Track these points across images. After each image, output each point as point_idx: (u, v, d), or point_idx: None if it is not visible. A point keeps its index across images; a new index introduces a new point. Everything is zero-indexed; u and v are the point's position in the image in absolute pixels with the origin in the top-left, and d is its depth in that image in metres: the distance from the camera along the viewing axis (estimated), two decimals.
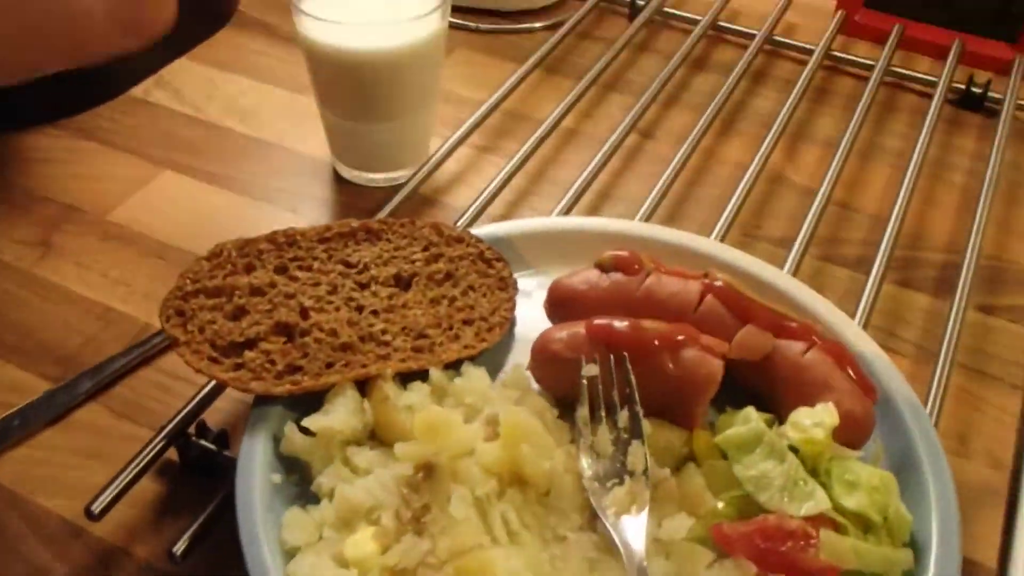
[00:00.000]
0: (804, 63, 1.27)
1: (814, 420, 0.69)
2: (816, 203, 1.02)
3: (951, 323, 0.88)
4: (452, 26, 1.37)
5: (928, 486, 0.71)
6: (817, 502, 0.65)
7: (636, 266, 0.82)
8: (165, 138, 1.20)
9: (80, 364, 0.91)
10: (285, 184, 1.13)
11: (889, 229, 0.98)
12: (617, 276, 0.82)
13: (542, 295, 0.85)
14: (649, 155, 1.19)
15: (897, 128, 1.24)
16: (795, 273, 0.93)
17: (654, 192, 1.04)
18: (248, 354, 0.79)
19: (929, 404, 0.81)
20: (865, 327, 0.88)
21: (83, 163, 1.16)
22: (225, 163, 1.17)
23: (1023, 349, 0.94)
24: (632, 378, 0.73)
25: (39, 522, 0.79)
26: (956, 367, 0.87)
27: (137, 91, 1.28)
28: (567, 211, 1.02)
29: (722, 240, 0.97)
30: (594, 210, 1.10)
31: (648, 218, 1.01)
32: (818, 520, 0.65)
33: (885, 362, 0.79)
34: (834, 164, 1.07)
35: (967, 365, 0.92)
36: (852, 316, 0.87)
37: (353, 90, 1.05)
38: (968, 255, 0.96)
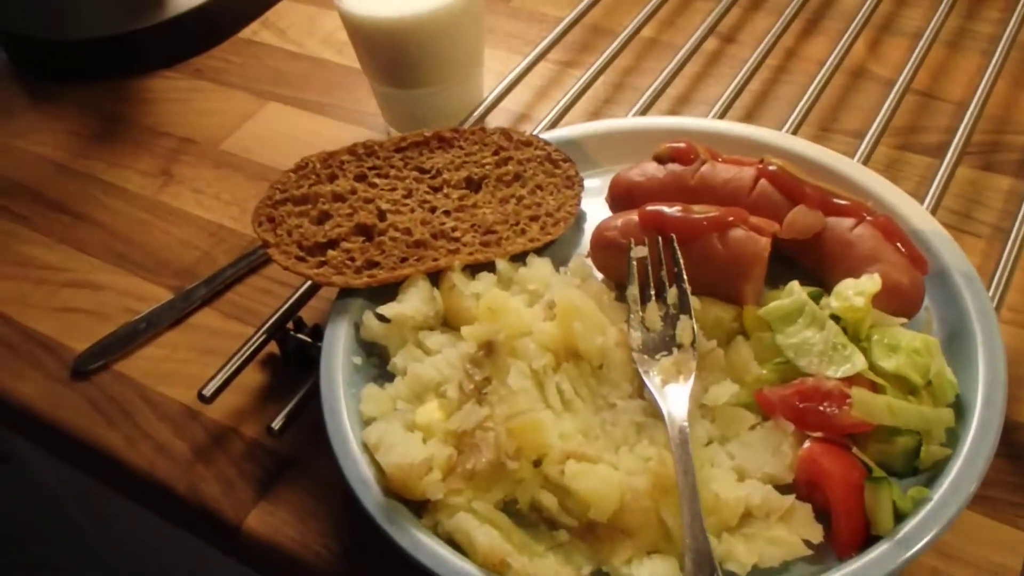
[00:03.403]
0: None
1: (856, 289, 0.70)
2: (894, 91, 1.00)
3: None
4: None
5: (977, 351, 0.71)
6: (853, 364, 0.68)
7: (692, 156, 0.84)
8: (270, 73, 1.29)
9: (196, 275, 1.02)
10: (379, 108, 1.20)
11: (969, 112, 0.96)
12: (674, 166, 0.84)
13: None
14: (730, 59, 1.19)
15: (991, 15, 1.19)
16: (866, 161, 0.93)
17: (728, 92, 1.04)
18: (331, 253, 0.86)
19: (996, 277, 0.80)
20: (935, 208, 0.87)
21: (198, 100, 1.26)
22: (323, 92, 1.25)
23: None
24: (679, 257, 0.76)
25: (162, 408, 0.90)
26: None
27: (246, 32, 1.37)
28: (642, 114, 1.04)
29: (794, 134, 0.97)
30: (673, 114, 1.12)
31: (722, 116, 1.02)
32: (855, 381, 0.67)
33: (942, 235, 0.79)
34: (916, 52, 1.05)
35: None
36: (923, 200, 0.86)
37: (394, 57, 1.04)
38: None
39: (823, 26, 1.22)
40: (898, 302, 0.72)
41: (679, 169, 0.84)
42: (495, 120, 1.12)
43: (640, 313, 0.76)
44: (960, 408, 0.69)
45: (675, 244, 0.76)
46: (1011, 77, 1.07)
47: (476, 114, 1.09)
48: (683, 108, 1.13)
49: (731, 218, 0.76)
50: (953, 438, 0.68)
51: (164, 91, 1.29)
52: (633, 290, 0.77)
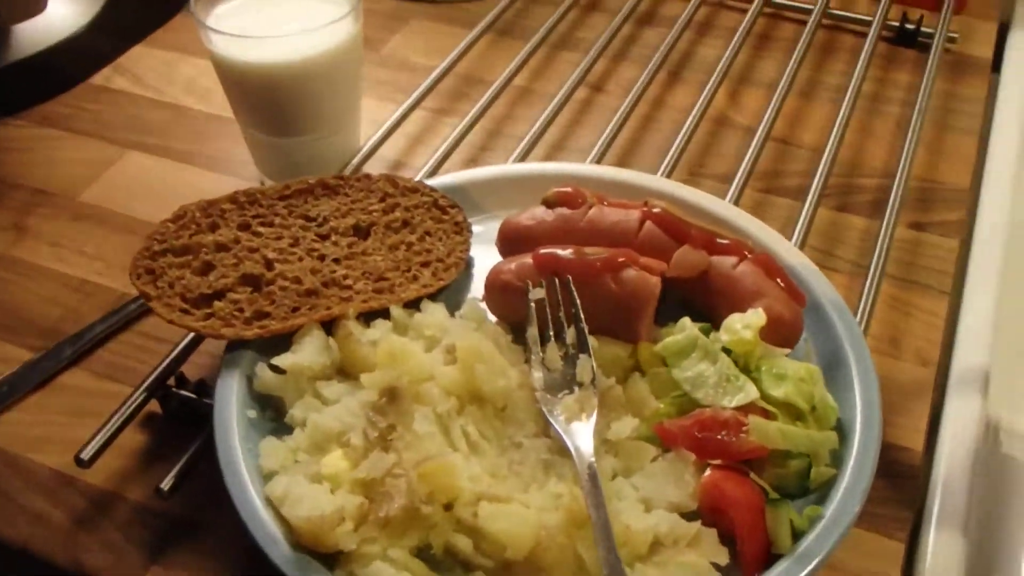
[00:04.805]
0: (745, 11, 1.32)
1: (744, 323, 0.74)
2: (756, 139, 1.07)
3: (881, 236, 0.94)
4: None
5: (853, 378, 0.76)
6: (747, 394, 0.71)
7: (580, 200, 0.87)
8: (129, 121, 1.24)
9: (61, 333, 0.96)
10: (248, 156, 1.17)
11: (824, 158, 1.04)
12: (562, 210, 0.87)
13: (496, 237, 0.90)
14: (600, 107, 1.24)
15: (837, 67, 1.30)
16: (736, 204, 0.98)
17: (602, 139, 1.08)
18: (217, 304, 0.83)
19: (860, 310, 0.86)
20: (802, 247, 0.93)
21: (50, 149, 1.20)
22: (188, 141, 1.21)
23: (950, 259, 1.00)
24: (576, 298, 0.78)
25: (35, 476, 0.84)
26: (890, 278, 0.93)
27: (97, 79, 1.31)
28: (520, 161, 1.07)
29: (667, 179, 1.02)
30: (549, 160, 1.15)
31: (597, 163, 1.06)
32: (749, 409, 0.71)
33: (813, 271, 0.84)
34: (773, 102, 1.12)
35: (899, 276, 0.98)
36: (790, 239, 0.92)
37: (271, 105, 1.02)
38: (899, 176, 1.02)
39: (685, 76, 1.29)
40: (782, 334, 0.77)
41: (568, 213, 0.86)
42: (371, 168, 1.12)
43: (541, 354, 0.77)
44: (840, 430, 0.74)
45: (571, 285, 0.79)
46: (858, 125, 1.16)
47: (354, 162, 1.09)
48: (558, 155, 1.16)
49: (622, 259, 0.79)
50: (836, 458, 0.73)
51: (10, 140, 1.22)
52: (533, 331, 0.78)
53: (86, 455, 0.79)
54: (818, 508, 0.69)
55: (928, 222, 1.05)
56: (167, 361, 0.86)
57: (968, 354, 0.89)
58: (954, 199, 1.08)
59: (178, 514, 0.80)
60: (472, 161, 1.16)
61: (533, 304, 0.79)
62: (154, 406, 0.86)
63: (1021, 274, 0.98)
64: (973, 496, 0.78)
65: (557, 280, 0.79)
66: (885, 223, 0.96)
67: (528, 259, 0.82)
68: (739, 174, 1.02)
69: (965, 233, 1.03)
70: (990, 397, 0.85)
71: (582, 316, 0.78)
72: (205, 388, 0.87)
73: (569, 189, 0.88)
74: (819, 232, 1.00)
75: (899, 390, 0.80)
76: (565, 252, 0.81)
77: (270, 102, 1.04)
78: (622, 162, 1.14)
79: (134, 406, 0.83)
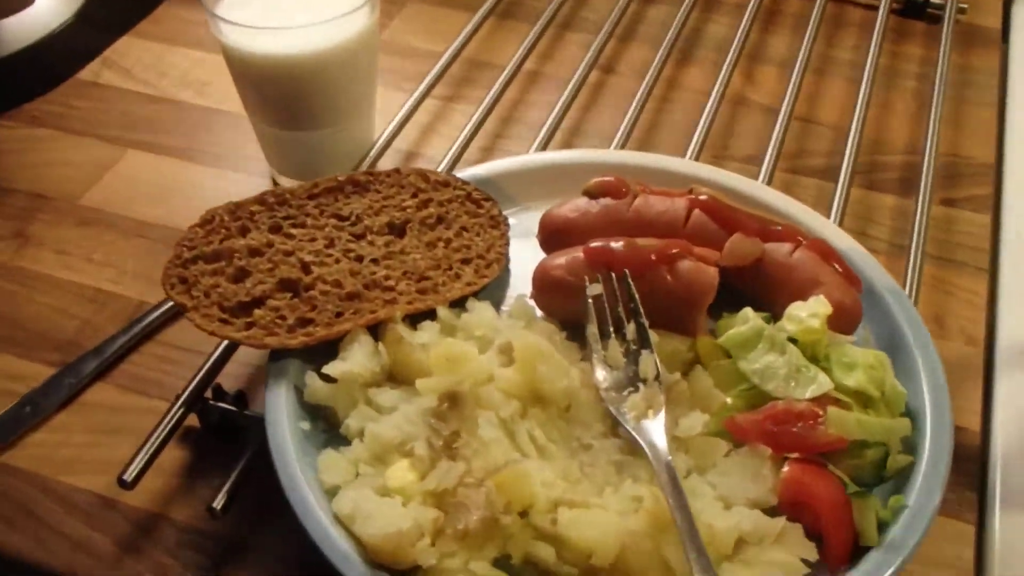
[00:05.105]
0: None
1: (809, 312, 0.73)
2: (780, 119, 1.06)
3: (918, 217, 0.93)
4: None
5: (916, 362, 0.76)
6: (820, 385, 0.70)
7: (623, 189, 0.85)
8: (123, 118, 1.20)
9: (80, 347, 0.92)
10: (255, 151, 1.13)
11: (851, 137, 1.03)
12: (606, 201, 0.85)
13: (530, 229, 0.88)
14: (613, 89, 1.22)
15: (848, 42, 1.29)
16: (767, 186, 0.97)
17: (624, 123, 1.06)
18: (257, 312, 0.80)
19: (905, 291, 0.85)
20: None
21: (43, 151, 1.15)
22: (188, 137, 1.17)
23: (984, 235, 1.00)
24: (635, 293, 0.76)
25: (71, 500, 0.81)
26: (926, 257, 0.92)
27: (85, 74, 1.26)
28: (542, 149, 1.04)
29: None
30: (568, 146, 1.13)
31: (622, 148, 1.04)
32: (823, 400, 0.70)
33: (863, 255, 0.84)
34: (792, 81, 1.11)
35: (936, 255, 0.98)
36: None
37: (286, 98, 0.99)
38: (927, 154, 1.01)
39: (696, 55, 1.27)
40: (842, 321, 0.76)
41: (612, 203, 0.84)
42: (386, 161, 1.09)
43: (602, 351, 0.76)
44: (909, 415, 0.73)
45: (629, 279, 0.77)
46: (876, 100, 1.15)
47: (371, 155, 1.06)
48: (577, 140, 1.14)
49: (677, 250, 0.78)
50: (907, 445, 0.72)
51: (1, 141, 1.16)
52: (593, 329, 0.76)
53: (129, 476, 0.76)
54: (900, 498, 0.68)
55: (957, 198, 1.05)
56: (202, 373, 0.83)
57: (1012, 331, 0.89)
58: (981, 173, 1.08)
59: (228, 533, 0.77)
60: (488, 150, 1.14)
61: (591, 300, 0.77)
62: (191, 420, 0.83)
63: None
64: None
65: (613, 275, 0.77)
66: (920, 201, 0.95)
67: (578, 253, 0.80)
68: (768, 155, 1.01)
69: (994, 208, 1.03)
70: None
71: (642, 311, 0.76)
72: (244, 399, 0.84)
73: (611, 179, 0.85)
74: (852, 212, 1.00)
75: (950, 370, 0.79)
76: (617, 245, 0.79)
77: (286, 95, 1.00)
78: (644, 146, 1.12)
79: (173, 422, 0.80)
